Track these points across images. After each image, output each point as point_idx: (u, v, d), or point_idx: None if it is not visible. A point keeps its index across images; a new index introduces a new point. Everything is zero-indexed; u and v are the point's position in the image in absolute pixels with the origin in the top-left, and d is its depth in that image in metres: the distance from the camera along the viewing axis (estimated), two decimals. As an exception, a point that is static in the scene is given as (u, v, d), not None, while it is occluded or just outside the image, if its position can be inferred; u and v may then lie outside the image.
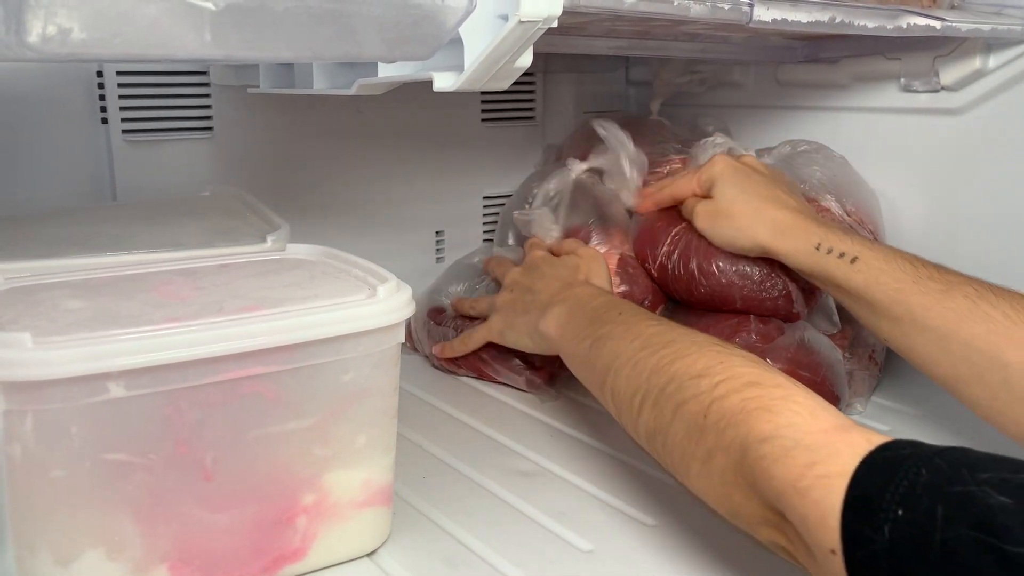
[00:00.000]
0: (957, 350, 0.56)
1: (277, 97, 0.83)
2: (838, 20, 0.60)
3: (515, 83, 0.97)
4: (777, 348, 0.70)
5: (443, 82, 0.47)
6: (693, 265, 0.74)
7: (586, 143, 0.89)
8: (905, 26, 0.63)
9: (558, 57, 1.01)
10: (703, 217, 0.71)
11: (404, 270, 0.93)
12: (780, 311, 0.73)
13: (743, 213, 0.69)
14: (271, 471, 0.48)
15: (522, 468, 0.66)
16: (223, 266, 0.57)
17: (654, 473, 0.65)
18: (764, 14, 0.56)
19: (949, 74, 0.76)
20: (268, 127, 0.83)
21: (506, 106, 0.99)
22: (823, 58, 0.87)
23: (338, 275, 0.55)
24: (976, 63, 0.74)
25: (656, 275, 0.78)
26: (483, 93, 0.97)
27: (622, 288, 0.80)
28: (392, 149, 0.91)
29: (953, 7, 0.72)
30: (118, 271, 0.55)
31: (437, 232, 0.96)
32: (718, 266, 0.73)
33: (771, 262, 0.72)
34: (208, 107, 0.79)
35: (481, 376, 0.83)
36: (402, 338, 0.51)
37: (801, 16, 0.58)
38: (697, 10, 0.53)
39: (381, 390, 0.51)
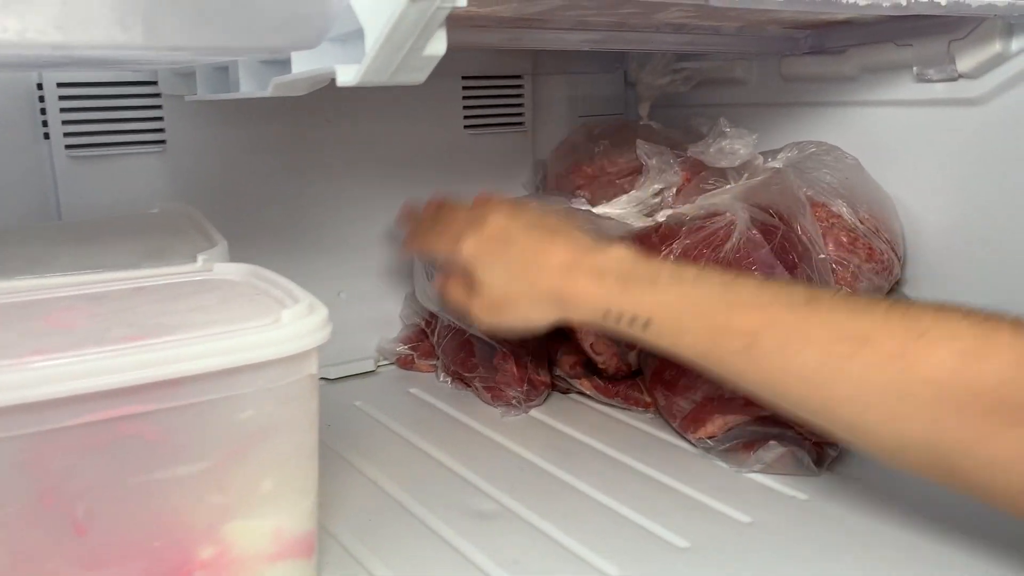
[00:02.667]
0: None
1: (236, 107, 0.78)
2: (823, -3, 0.52)
3: (501, 86, 0.93)
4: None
5: (345, 76, 0.41)
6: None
7: (571, 157, 0.83)
8: (905, 3, 0.55)
9: (547, 57, 0.95)
10: (483, 314, 0.61)
11: (382, 289, 0.89)
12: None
13: (517, 298, 0.59)
14: (159, 522, 0.42)
15: (482, 508, 0.59)
16: (137, 289, 0.52)
17: (627, 513, 0.58)
18: (729, -10, 0.49)
19: (966, 60, 0.68)
20: (227, 139, 0.78)
21: (491, 112, 0.93)
22: (829, 48, 0.79)
23: (254, 297, 0.49)
24: (996, 46, 0.66)
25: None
26: (464, 99, 0.91)
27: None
28: (367, 162, 0.85)
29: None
30: (20, 296, 0.50)
31: (419, 248, 0.90)
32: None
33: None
34: (159, 119, 0.74)
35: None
36: (314, 369, 0.45)
37: (776, -8, 0.50)
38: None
39: (290, 428, 0.45)
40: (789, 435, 0.61)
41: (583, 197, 0.81)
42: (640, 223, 0.78)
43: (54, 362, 0.38)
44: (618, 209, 0.78)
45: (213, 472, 0.43)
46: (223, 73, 0.61)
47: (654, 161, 0.76)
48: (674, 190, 0.78)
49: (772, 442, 0.61)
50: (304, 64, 0.47)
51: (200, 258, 0.57)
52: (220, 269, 0.55)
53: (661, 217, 0.77)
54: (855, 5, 0.53)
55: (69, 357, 0.38)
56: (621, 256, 0.56)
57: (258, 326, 0.43)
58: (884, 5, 0.54)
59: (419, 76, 0.42)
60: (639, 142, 0.77)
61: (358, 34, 0.41)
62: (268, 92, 0.51)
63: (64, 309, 0.47)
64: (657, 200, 0.76)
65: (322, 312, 0.45)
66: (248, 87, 0.56)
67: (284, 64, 0.51)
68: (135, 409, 0.40)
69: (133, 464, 0.41)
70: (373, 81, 0.41)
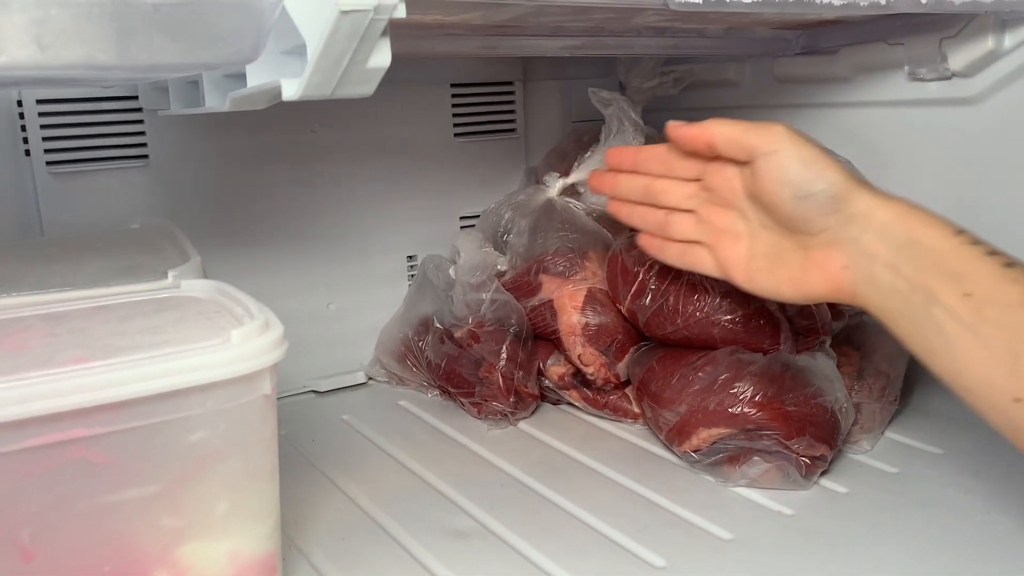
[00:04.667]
0: None
1: (220, 120, 0.78)
2: (795, -5, 0.51)
3: (491, 93, 0.92)
4: (753, 375, 0.61)
5: (288, 90, 0.41)
6: (668, 303, 0.66)
7: (561, 164, 0.82)
8: (884, 2, 0.53)
9: (539, 63, 0.94)
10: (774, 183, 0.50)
11: (373, 298, 0.88)
12: (766, 350, 0.64)
13: None
14: (109, 546, 0.42)
15: (459, 526, 0.58)
16: (98, 308, 0.51)
17: (605, 530, 0.56)
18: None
19: (959, 58, 0.66)
20: (211, 153, 0.78)
21: (481, 119, 0.91)
22: (822, 49, 0.77)
23: (213, 316, 0.48)
24: (989, 43, 0.64)
25: (627, 314, 0.70)
26: (454, 106, 0.90)
27: (589, 325, 0.72)
28: (354, 171, 0.85)
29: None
30: (-20, 317, 0.50)
31: (409, 257, 0.89)
32: (697, 304, 0.64)
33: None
34: (142, 134, 0.74)
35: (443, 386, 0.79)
36: (268, 389, 0.44)
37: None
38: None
39: (244, 450, 0.44)
40: (775, 449, 0.60)
41: (555, 174, 0.78)
42: None
43: (-5, 386, 0.37)
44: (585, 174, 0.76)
45: (165, 495, 0.42)
46: (194, 87, 0.61)
47: (610, 110, 0.73)
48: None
49: (756, 458, 0.59)
50: (257, 78, 0.46)
51: (170, 275, 0.57)
52: (187, 286, 0.55)
53: None
54: (830, 5, 0.51)
55: (10, 381, 0.38)
56: None
57: (206, 346, 0.42)
58: (862, 4, 0.52)
59: (366, 89, 0.41)
60: (591, 90, 0.74)
61: (303, 49, 0.40)
62: (226, 107, 0.50)
63: (21, 330, 0.47)
64: None
65: (276, 331, 0.44)
66: (212, 101, 0.55)
67: (243, 78, 0.50)
68: (80, 432, 0.39)
69: (81, 488, 0.40)
70: (316, 95, 0.40)
